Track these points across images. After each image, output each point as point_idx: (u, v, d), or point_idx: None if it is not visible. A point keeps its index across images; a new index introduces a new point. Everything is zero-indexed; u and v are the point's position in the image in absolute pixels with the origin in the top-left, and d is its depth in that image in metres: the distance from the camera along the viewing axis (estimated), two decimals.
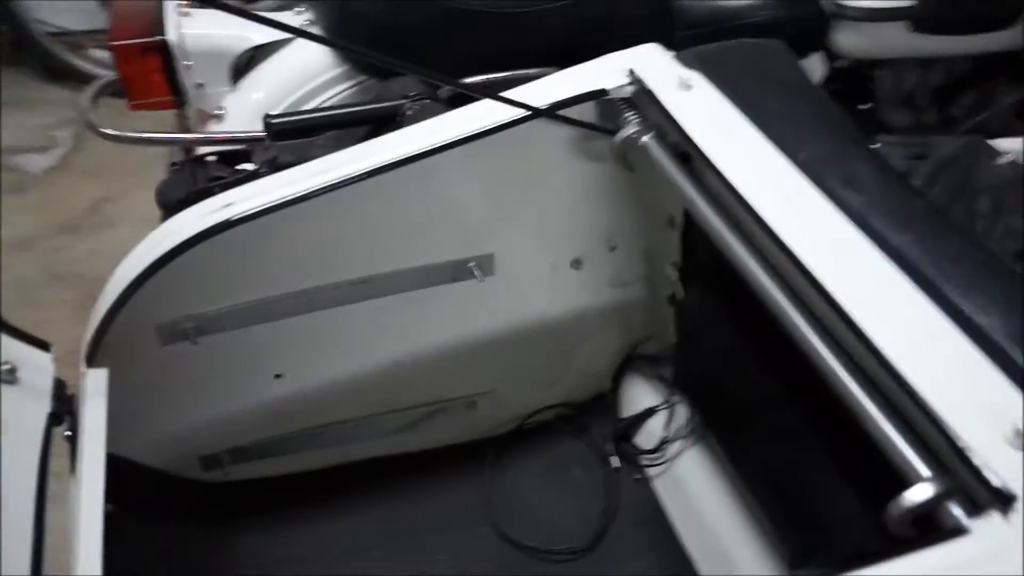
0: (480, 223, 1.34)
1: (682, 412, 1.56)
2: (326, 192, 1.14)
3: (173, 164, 1.60)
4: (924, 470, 0.72)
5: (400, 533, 1.43)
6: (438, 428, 1.58)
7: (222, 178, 1.49)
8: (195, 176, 1.49)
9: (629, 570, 1.41)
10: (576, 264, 1.47)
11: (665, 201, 1.31)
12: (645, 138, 1.18)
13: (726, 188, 1.01)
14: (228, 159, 1.57)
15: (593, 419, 1.65)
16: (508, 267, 1.41)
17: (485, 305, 1.45)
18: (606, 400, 1.66)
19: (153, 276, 1.08)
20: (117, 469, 0.91)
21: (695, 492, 1.48)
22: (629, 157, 1.22)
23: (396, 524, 1.44)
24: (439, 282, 1.39)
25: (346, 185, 1.15)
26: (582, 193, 1.35)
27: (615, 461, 1.57)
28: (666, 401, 1.58)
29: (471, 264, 1.38)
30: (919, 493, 0.70)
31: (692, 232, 1.29)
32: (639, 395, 1.63)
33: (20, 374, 0.91)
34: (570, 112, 1.20)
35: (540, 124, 1.20)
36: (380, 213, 1.21)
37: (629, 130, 1.19)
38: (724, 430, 1.42)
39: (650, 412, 1.58)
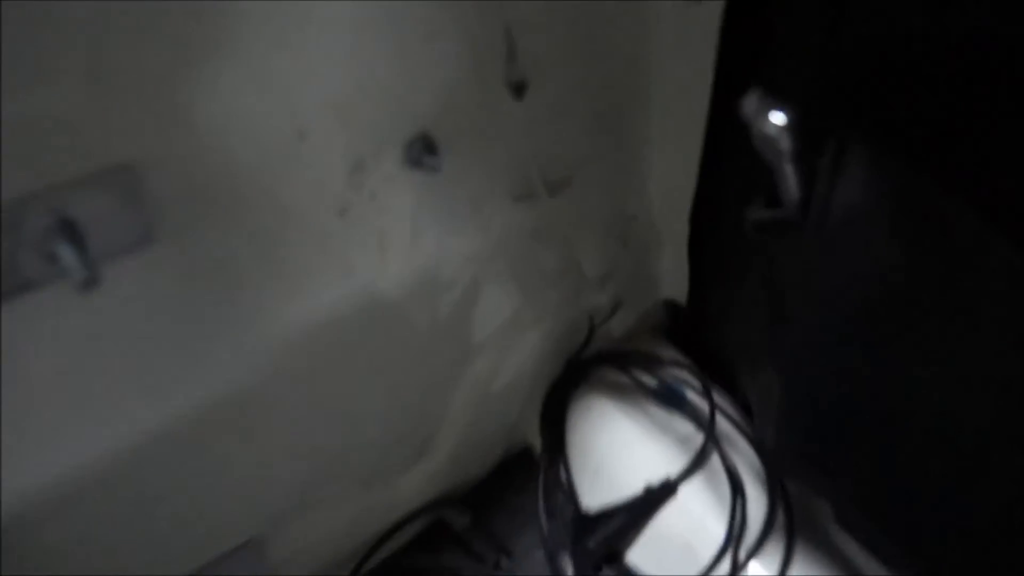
0: None
1: (759, 496, 0.62)
2: None
3: None
4: None
5: None
6: None
7: None
8: None
9: None
10: (421, 152, 0.50)
11: None
12: None
13: None
14: None
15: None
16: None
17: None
18: (537, 466, 0.69)
19: None
20: None
21: None
22: None
23: None
24: None
25: None
26: None
27: None
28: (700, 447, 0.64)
29: None
30: None
31: None
32: (625, 446, 0.68)
33: None
34: None
35: None
36: None
37: None
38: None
39: (664, 490, 0.64)
